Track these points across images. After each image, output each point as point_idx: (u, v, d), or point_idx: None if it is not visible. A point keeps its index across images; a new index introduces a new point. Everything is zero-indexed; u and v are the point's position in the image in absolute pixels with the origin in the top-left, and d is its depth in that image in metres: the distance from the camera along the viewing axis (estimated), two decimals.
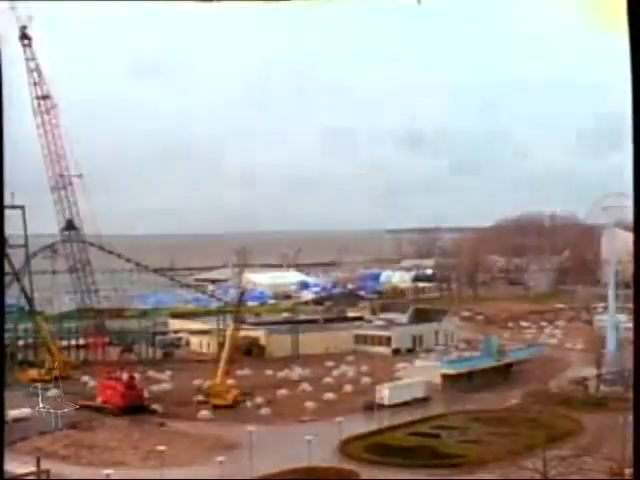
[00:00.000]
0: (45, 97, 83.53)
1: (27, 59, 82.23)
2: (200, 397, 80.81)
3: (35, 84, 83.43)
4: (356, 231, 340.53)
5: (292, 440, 62.37)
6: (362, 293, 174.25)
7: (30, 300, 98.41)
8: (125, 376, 79.88)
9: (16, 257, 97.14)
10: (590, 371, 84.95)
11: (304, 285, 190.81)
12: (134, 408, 76.07)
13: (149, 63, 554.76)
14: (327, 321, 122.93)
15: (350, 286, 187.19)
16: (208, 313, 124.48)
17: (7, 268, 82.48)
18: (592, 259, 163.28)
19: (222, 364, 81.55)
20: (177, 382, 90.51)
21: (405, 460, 58.95)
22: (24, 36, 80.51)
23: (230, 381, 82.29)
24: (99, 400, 78.12)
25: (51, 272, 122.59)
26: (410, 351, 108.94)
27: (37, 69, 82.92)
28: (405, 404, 77.01)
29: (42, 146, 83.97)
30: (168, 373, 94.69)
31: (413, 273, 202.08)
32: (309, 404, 77.75)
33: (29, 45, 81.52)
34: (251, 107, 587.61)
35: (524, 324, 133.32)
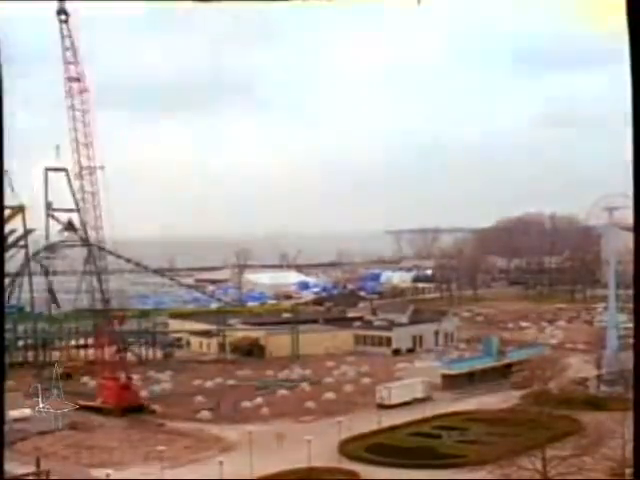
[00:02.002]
0: (76, 79, 79.03)
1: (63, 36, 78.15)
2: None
3: (69, 63, 78.80)
4: (356, 231, 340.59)
5: (292, 440, 62.32)
6: (362, 293, 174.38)
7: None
8: (123, 377, 79.67)
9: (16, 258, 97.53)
10: (590, 371, 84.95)
11: (304, 285, 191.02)
12: (131, 408, 75.92)
13: None
14: (327, 321, 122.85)
15: (350, 286, 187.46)
16: (208, 313, 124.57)
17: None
18: (592, 259, 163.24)
19: None
20: (177, 382, 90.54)
21: (405, 460, 58.89)
22: (61, 11, 76.82)
23: None
24: (99, 400, 78.02)
25: (51, 273, 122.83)
26: (410, 351, 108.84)
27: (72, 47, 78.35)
28: (405, 404, 76.96)
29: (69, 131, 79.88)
30: (168, 373, 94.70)
31: (413, 273, 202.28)
32: (309, 404, 77.79)
33: (66, 21, 77.75)
34: None
35: (524, 324, 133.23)
